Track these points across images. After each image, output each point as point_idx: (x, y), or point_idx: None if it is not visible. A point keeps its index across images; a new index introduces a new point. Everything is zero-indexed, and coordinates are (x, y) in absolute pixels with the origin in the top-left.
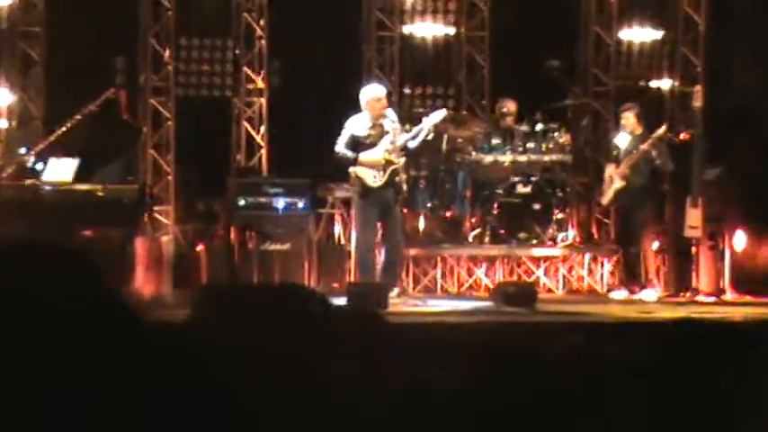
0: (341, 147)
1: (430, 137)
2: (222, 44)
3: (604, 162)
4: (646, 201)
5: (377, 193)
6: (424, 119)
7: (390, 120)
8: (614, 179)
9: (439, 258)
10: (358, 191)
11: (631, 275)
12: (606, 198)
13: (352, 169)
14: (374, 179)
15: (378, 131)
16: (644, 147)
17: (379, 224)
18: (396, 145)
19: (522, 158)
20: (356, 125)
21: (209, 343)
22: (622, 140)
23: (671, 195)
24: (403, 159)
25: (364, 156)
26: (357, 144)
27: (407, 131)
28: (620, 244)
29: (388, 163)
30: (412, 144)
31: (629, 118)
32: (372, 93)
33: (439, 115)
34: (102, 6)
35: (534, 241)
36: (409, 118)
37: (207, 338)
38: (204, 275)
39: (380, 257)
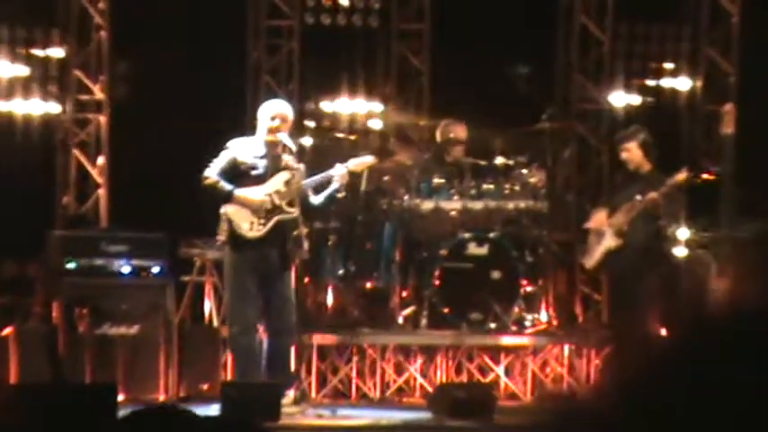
0: (213, 173)
1: (341, 193)
2: (45, 37)
3: (592, 209)
4: (652, 268)
5: (255, 250)
6: (338, 165)
7: (287, 151)
8: (605, 234)
9: (354, 349)
10: (228, 241)
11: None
12: (592, 259)
13: (223, 209)
14: (250, 227)
15: (271, 164)
16: (653, 196)
17: (258, 296)
18: (292, 188)
19: (476, 206)
20: (242, 149)
21: None
22: (621, 181)
23: (688, 261)
24: (296, 210)
25: (243, 192)
26: (238, 174)
27: (314, 173)
28: (614, 329)
29: (275, 209)
30: (315, 199)
31: (630, 150)
32: (268, 110)
33: (361, 162)
34: None
35: (492, 325)
36: (314, 149)
37: None
38: (13, 371)
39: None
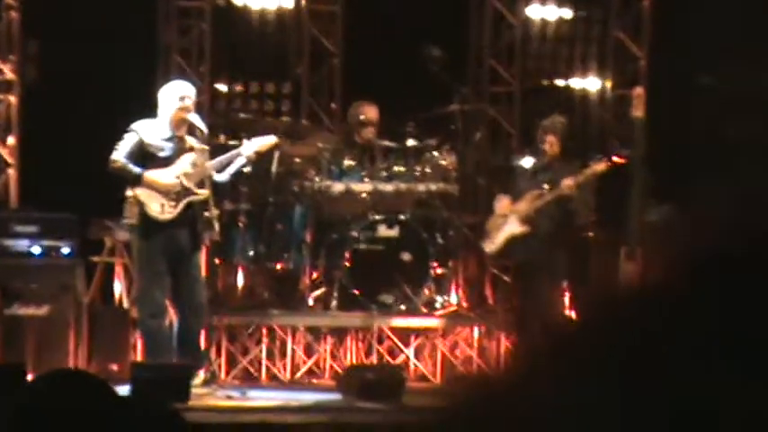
0: (120, 155)
1: (247, 168)
2: None
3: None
4: (557, 254)
5: (165, 232)
6: (244, 144)
7: (198, 131)
8: (507, 220)
9: (265, 330)
10: (138, 225)
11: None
12: (493, 245)
13: (130, 192)
14: (161, 209)
15: (177, 146)
16: (567, 183)
17: (168, 278)
18: (199, 169)
19: (387, 188)
20: (148, 131)
21: None
22: (528, 164)
23: (597, 245)
24: (206, 191)
25: (152, 174)
26: (145, 157)
27: (219, 152)
28: (519, 315)
29: (185, 191)
30: (220, 177)
31: (552, 143)
32: (174, 92)
33: (263, 143)
34: None
35: (402, 307)
36: (223, 126)
37: None
38: None
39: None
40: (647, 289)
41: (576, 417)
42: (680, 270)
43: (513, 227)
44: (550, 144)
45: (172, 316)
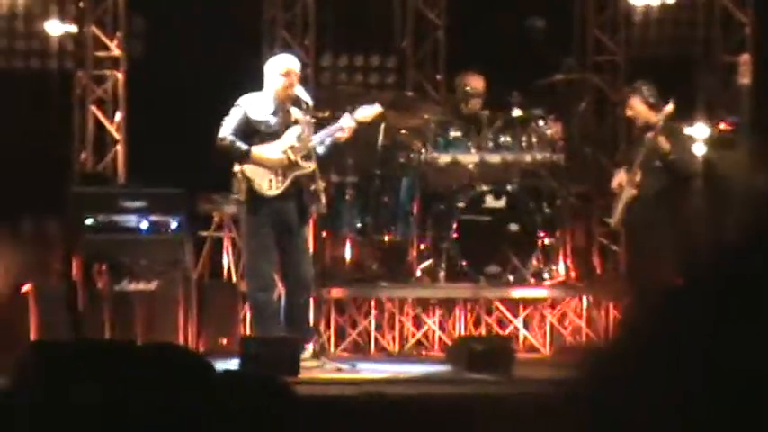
0: (227, 132)
1: (349, 139)
2: None
3: (611, 165)
4: (665, 214)
5: (273, 206)
6: (345, 115)
7: (303, 104)
8: (624, 188)
9: (373, 303)
10: (246, 200)
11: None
12: (615, 216)
13: (237, 168)
14: (269, 185)
15: (282, 119)
16: (649, 135)
17: (276, 252)
18: (306, 142)
19: (494, 159)
20: (253, 106)
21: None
22: (635, 137)
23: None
24: (313, 164)
25: (259, 150)
26: (251, 132)
27: (324, 125)
28: (632, 280)
29: (292, 165)
30: (321, 149)
31: (633, 106)
32: (280, 65)
33: (368, 112)
34: None
35: (510, 278)
36: (328, 100)
37: (34, 418)
38: (33, 328)
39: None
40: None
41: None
42: None
43: (626, 193)
44: (631, 108)
45: (280, 289)
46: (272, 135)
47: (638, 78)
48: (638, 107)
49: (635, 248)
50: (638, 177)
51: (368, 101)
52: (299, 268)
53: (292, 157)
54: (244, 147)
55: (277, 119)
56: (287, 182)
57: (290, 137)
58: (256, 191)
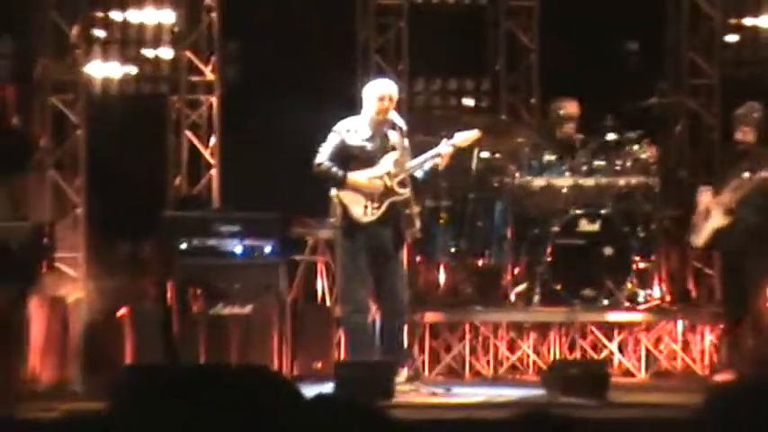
0: (324, 158)
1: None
2: (155, 18)
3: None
4: (764, 245)
5: (368, 231)
6: (444, 141)
7: (398, 129)
8: (712, 212)
9: (468, 327)
10: (341, 226)
11: (739, 352)
12: (700, 238)
13: (334, 193)
14: (365, 211)
15: (379, 144)
16: (766, 174)
17: (370, 276)
18: (402, 168)
19: (588, 182)
20: (349, 131)
21: None
22: (731, 157)
23: None
24: (408, 190)
25: (355, 176)
26: (348, 157)
27: (424, 149)
28: (727, 307)
29: (388, 192)
30: (420, 174)
31: (747, 131)
32: (377, 89)
33: (465, 137)
34: None
35: (605, 302)
36: (422, 124)
37: None
38: (128, 352)
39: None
40: None
41: None
42: None
43: (717, 219)
44: (743, 133)
45: (375, 314)
46: (368, 160)
47: (739, 101)
48: (749, 133)
49: (730, 279)
50: (732, 206)
51: (462, 125)
52: (395, 292)
53: (389, 184)
54: (340, 173)
55: (374, 144)
56: (382, 208)
57: (387, 163)
58: (351, 216)
